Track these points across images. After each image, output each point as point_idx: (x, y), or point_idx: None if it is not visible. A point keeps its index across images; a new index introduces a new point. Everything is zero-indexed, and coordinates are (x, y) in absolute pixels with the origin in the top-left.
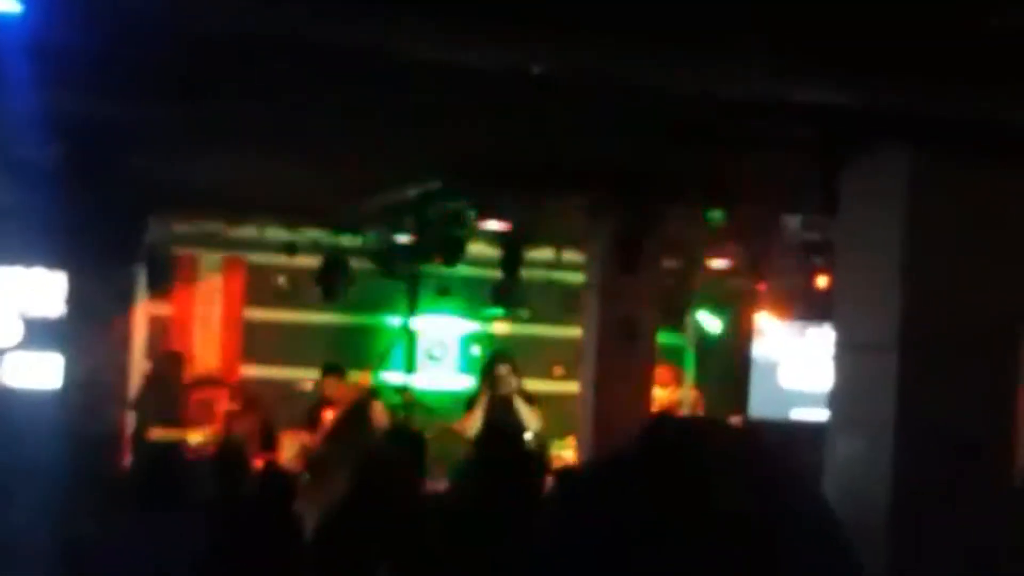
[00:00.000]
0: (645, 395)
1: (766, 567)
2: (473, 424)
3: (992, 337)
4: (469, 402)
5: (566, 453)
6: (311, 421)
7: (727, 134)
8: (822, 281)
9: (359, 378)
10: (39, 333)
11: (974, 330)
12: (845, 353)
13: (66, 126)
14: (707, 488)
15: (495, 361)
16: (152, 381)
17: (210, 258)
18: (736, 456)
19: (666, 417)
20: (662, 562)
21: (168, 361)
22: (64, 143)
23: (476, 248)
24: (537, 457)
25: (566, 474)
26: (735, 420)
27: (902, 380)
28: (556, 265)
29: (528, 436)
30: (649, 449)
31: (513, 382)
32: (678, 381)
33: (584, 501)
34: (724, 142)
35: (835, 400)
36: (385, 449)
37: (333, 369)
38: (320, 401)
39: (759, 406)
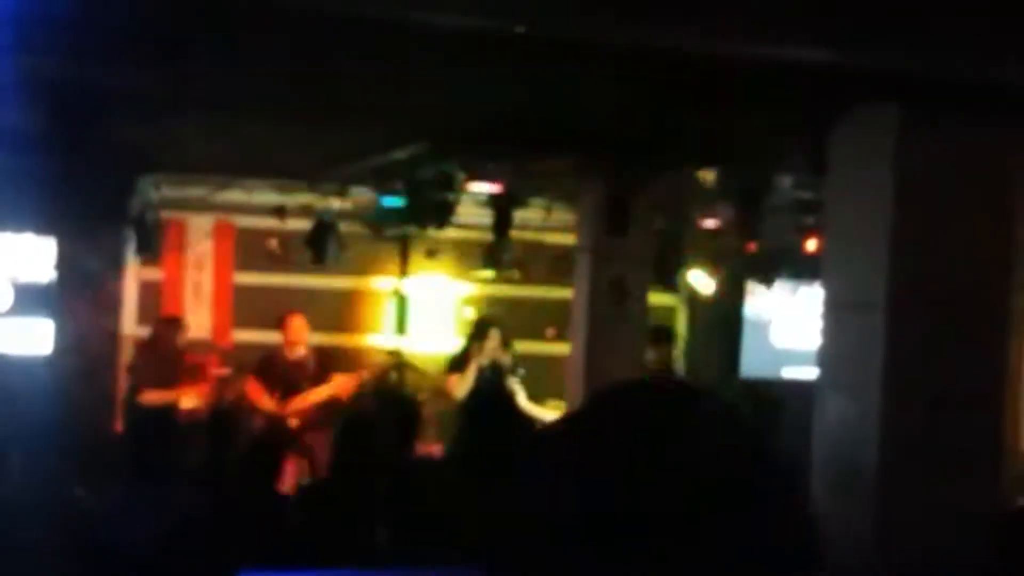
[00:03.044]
0: (636, 356)
1: (707, 523)
2: (464, 386)
3: (980, 296)
4: (454, 363)
5: (559, 414)
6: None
7: (715, 94)
8: (811, 244)
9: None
10: (29, 299)
11: (962, 289)
12: (833, 312)
13: (52, 91)
14: (649, 448)
15: (487, 327)
16: (148, 346)
17: (200, 223)
18: (683, 418)
19: (619, 382)
20: (611, 513)
21: (165, 325)
22: (50, 108)
23: (466, 210)
24: (528, 422)
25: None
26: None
27: (890, 339)
28: (547, 226)
29: (520, 402)
30: (597, 412)
31: (501, 349)
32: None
33: (543, 461)
34: (712, 102)
35: (824, 360)
36: (366, 412)
37: None
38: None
39: (751, 365)
